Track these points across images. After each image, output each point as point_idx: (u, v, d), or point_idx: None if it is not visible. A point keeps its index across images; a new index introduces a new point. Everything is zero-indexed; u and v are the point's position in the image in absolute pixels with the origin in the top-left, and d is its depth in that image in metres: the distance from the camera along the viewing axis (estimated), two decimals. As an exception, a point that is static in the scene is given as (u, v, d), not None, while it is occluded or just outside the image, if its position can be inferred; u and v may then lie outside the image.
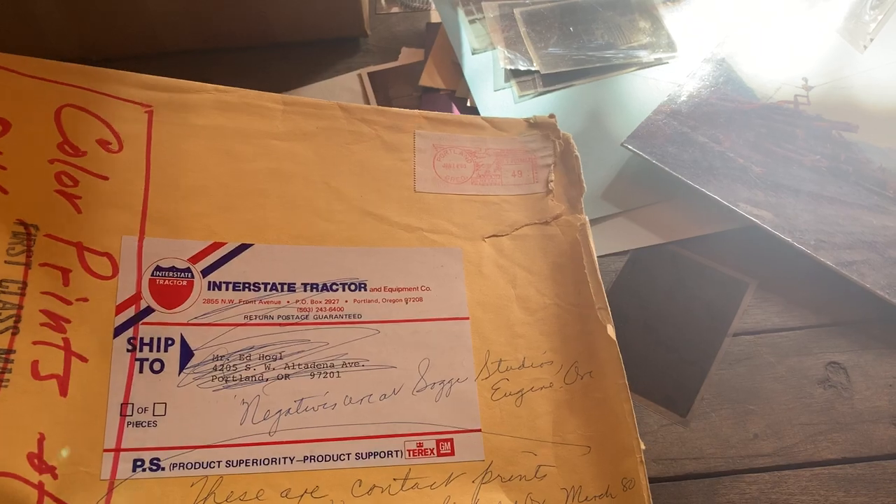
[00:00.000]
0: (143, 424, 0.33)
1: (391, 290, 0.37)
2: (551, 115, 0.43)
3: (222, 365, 0.34)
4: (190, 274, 0.35)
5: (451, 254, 0.38)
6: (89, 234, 0.34)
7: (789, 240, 0.42)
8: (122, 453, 0.32)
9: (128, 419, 0.32)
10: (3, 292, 0.32)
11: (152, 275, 0.35)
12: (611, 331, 0.36)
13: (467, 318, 0.37)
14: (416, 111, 0.43)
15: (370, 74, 0.53)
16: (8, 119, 0.34)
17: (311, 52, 0.54)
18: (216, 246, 0.36)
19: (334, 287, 0.37)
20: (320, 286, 0.37)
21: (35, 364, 0.31)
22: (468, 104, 0.50)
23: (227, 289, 0.36)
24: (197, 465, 0.32)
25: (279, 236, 0.37)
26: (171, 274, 0.35)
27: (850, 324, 0.41)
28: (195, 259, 0.36)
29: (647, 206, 0.45)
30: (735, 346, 0.40)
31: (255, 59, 0.54)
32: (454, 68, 0.51)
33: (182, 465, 0.32)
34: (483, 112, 0.48)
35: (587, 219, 0.40)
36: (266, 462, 0.33)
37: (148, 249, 0.35)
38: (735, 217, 0.43)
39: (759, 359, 0.40)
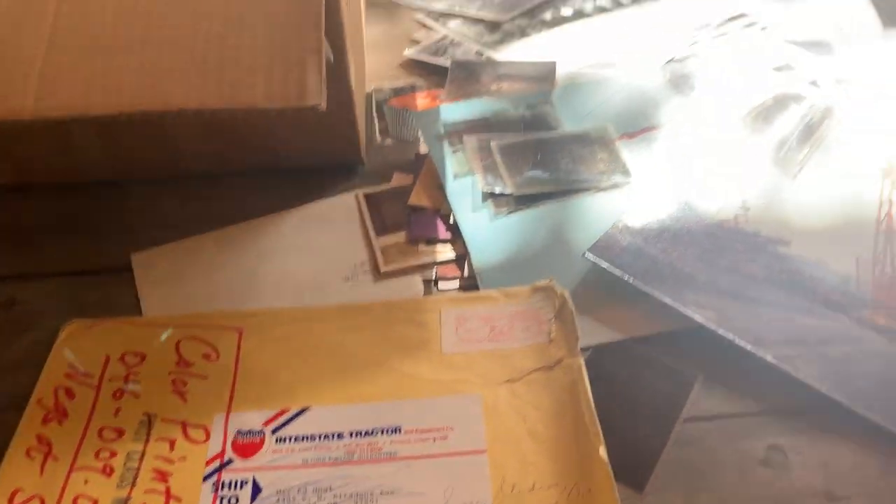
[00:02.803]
0: None
1: (421, 430, 0.45)
2: (550, 279, 0.51)
3: (283, 497, 0.43)
4: (263, 434, 0.45)
5: (472, 399, 0.46)
6: (191, 415, 0.46)
7: (731, 337, 0.48)
8: None
9: None
10: (129, 460, 0.45)
11: (234, 437, 0.45)
12: (602, 452, 0.42)
13: (485, 451, 0.44)
14: (442, 296, 0.52)
15: (366, 195, 0.60)
16: (145, 353, 0.50)
17: (314, 175, 0.62)
18: (283, 412, 0.46)
19: (375, 432, 0.45)
20: (363, 432, 0.45)
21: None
22: (451, 221, 0.57)
23: (290, 441, 0.45)
24: None
25: (332, 399, 0.47)
26: (248, 436, 0.45)
27: (787, 411, 0.46)
28: (267, 423, 0.46)
29: (607, 307, 0.51)
30: (686, 430, 0.45)
31: (265, 182, 0.61)
32: (439, 190, 0.59)
33: None
34: (463, 226, 0.56)
35: (583, 361, 0.46)
36: None
37: (233, 420, 0.46)
38: (684, 318, 0.49)
39: (708, 442, 0.44)
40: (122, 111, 0.42)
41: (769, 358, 0.47)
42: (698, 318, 0.49)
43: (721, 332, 0.48)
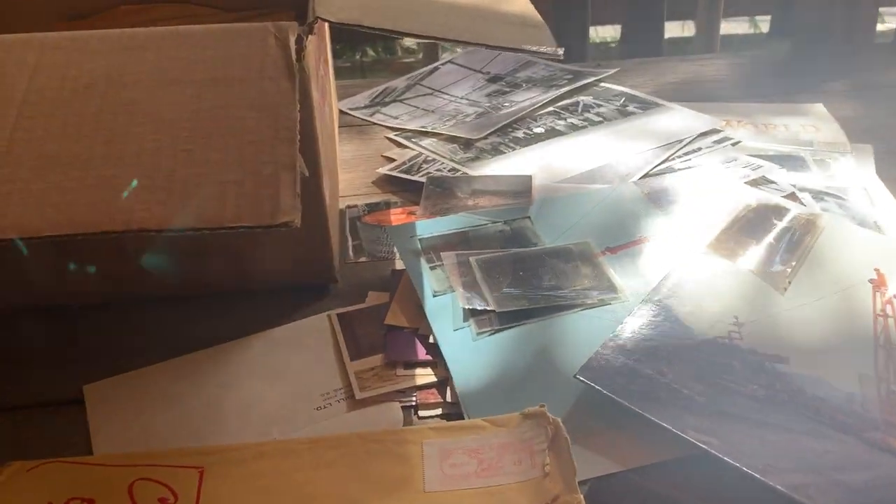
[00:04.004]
0: None
1: None
2: (541, 405, 0.47)
3: None
4: None
5: None
6: None
7: (738, 465, 0.44)
8: None
9: None
10: None
11: None
12: None
13: None
14: (424, 426, 0.48)
15: (339, 315, 0.56)
16: (93, 498, 0.44)
17: (284, 296, 0.58)
18: None
19: None
20: None
21: None
22: (430, 340, 0.53)
23: None
24: None
25: None
26: None
27: (807, 548, 0.41)
28: None
29: (602, 435, 0.47)
30: (698, 573, 0.40)
31: (231, 304, 0.58)
32: (417, 309, 0.56)
33: None
34: (443, 347, 0.52)
35: (582, 497, 0.42)
36: None
37: None
38: (685, 444, 0.45)
39: (724, 586, 0.40)
40: (76, 231, 0.39)
41: (780, 487, 0.43)
42: (701, 444, 0.45)
43: (726, 459, 0.44)
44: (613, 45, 2.25)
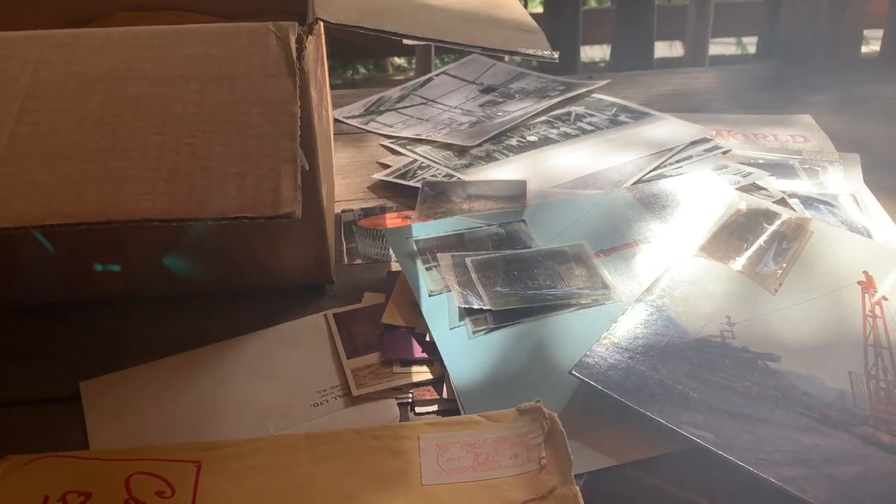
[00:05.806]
0: None
1: None
2: (537, 401, 0.48)
3: None
4: None
5: None
6: None
7: (731, 458, 0.45)
8: None
9: None
10: None
11: None
12: None
13: None
14: (421, 421, 0.49)
15: (335, 315, 0.57)
16: (90, 491, 0.44)
17: (280, 297, 0.59)
18: None
19: None
20: None
21: None
22: (426, 339, 0.54)
23: None
24: None
25: None
26: None
27: (800, 539, 0.42)
28: None
29: (598, 430, 0.48)
30: (694, 564, 0.41)
31: (227, 304, 0.58)
32: (413, 308, 0.56)
33: None
34: (440, 345, 0.53)
35: (578, 489, 0.43)
36: None
37: None
38: (680, 438, 0.46)
39: (719, 577, 0.40)
40: (80, 220, 0.39)
41: (773, 480, 0.44)
42: (695, 438, 0.46)
43: (720, 453, 0.45)
44: (602, 64, 2.28)
